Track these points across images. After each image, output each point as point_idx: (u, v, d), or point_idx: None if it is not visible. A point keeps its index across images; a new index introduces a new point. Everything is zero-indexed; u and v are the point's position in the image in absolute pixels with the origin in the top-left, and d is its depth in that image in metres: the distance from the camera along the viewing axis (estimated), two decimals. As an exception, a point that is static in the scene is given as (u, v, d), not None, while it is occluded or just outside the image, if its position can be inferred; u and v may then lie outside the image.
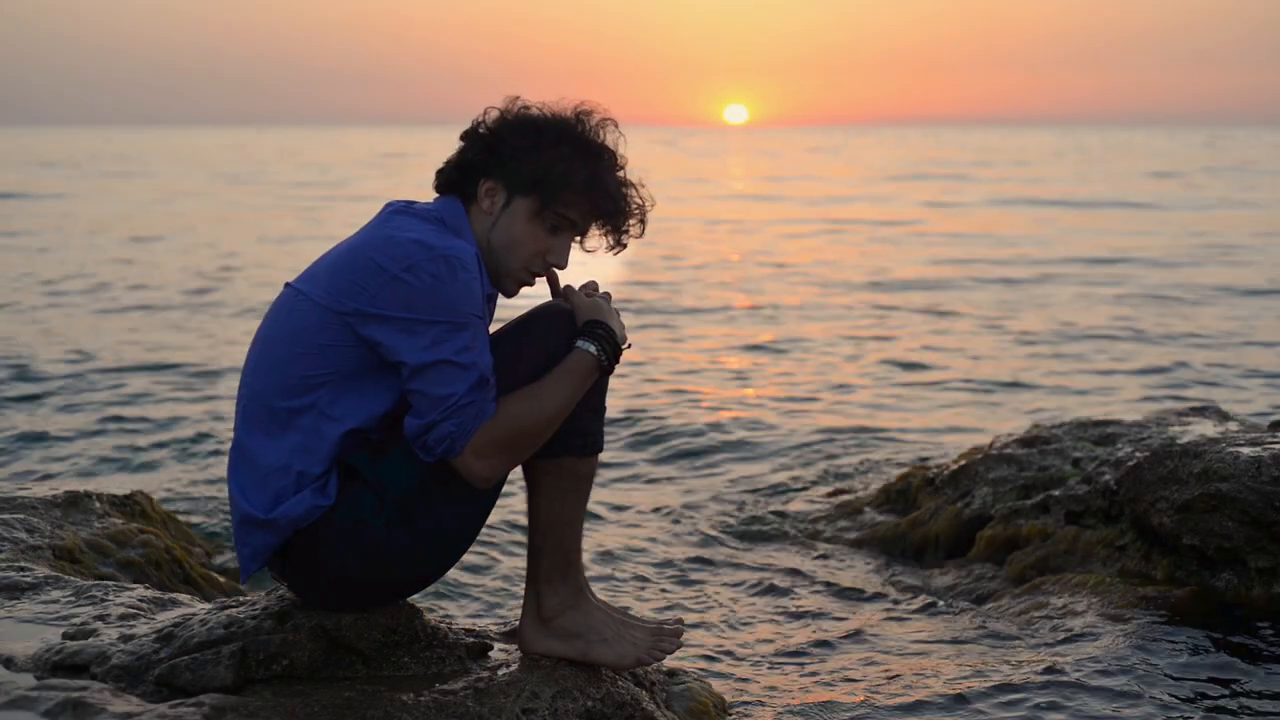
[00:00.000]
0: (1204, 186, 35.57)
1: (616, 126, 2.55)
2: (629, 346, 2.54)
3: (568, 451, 2.48)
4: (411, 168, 48.80)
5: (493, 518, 2.62)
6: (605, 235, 2.55)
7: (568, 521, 2.55)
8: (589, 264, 2.63)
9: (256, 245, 18.62)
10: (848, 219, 24.45)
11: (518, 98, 2.55)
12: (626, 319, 2.71)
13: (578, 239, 2.55)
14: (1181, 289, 13.66)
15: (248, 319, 11.16)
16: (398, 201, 2.52)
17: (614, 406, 6.97)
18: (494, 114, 2.54)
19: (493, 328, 2.54)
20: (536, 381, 2.41)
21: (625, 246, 2.57)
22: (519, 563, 4.68)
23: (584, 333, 2.45)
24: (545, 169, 2.46)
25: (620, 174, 2.53)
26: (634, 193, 2.54)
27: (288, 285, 2.49)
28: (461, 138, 2.55)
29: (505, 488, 2.54)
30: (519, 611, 2.78)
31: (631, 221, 2.55)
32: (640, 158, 2.57)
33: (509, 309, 2.75)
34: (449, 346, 2.31)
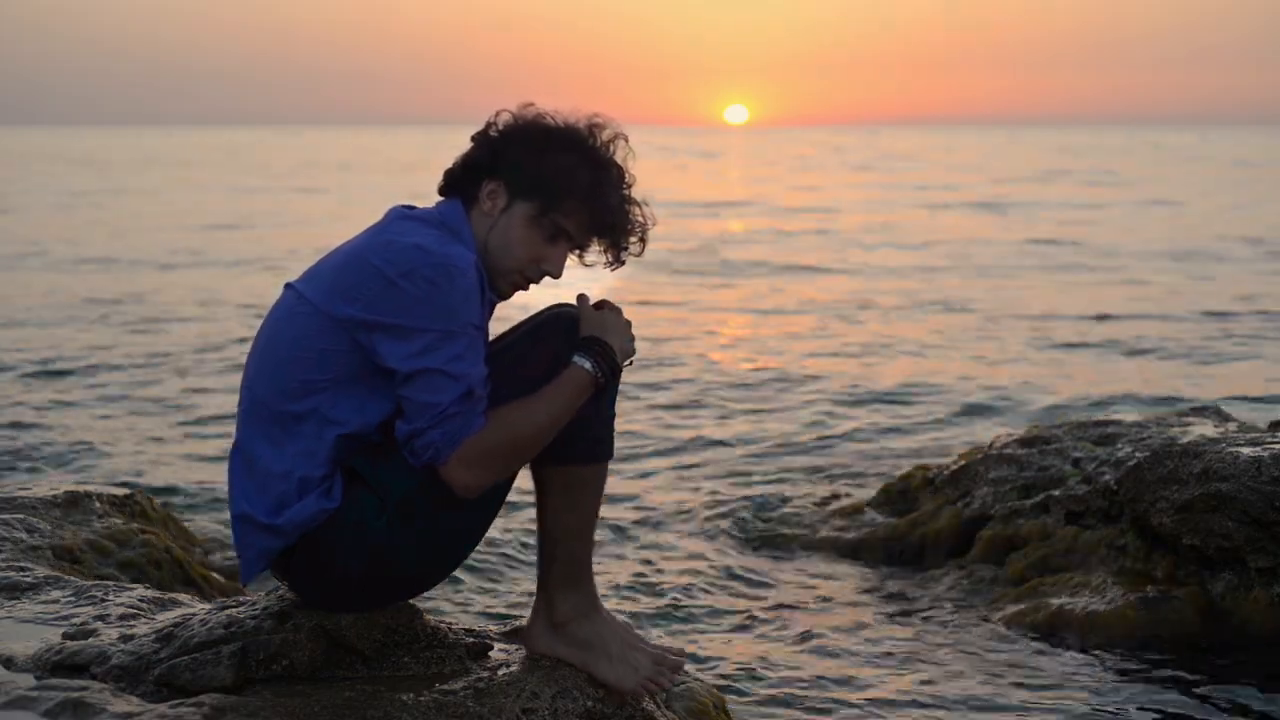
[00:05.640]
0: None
1: (628, 143, 2.53)
2: (630, 364, 2.52)
3: (575, 459, 2.47)
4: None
5: (496, 519, 2.60)
6: (604, 251, 2.53)
7: (577, 530, 2.53)
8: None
9: None
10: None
11: (532, 104, 2.53)
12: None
13: (577, 253, 2.54)
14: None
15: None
16: (401, 206, 2.51)
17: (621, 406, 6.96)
18: (506, 116, 2.52)
19: (493, 330, 2.54)
20: (531, 394, 2.39)
21: (624, 264, 2.55)
22: (521, 565, 4.68)
23: (582, 347, 2.44)
24: (549, 174, 2.45)
25: (625, 190, 2.51)
26: (636, 210, 2.52)
27: (288, 286, 2.49)
28: (472, 139, 2.55)
29: (508, 489, 2.53)
30: (519, 612, 2.79)
31: (631, 239, 2.53)
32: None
33: (511, 311, 2.75)
34: (440, 355, 2.30)
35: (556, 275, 2.52)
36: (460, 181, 2.52)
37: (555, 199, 2.45)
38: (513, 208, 2.47)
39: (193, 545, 4.56)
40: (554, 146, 2.46)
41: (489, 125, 2.52)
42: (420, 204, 2.56)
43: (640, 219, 2.53)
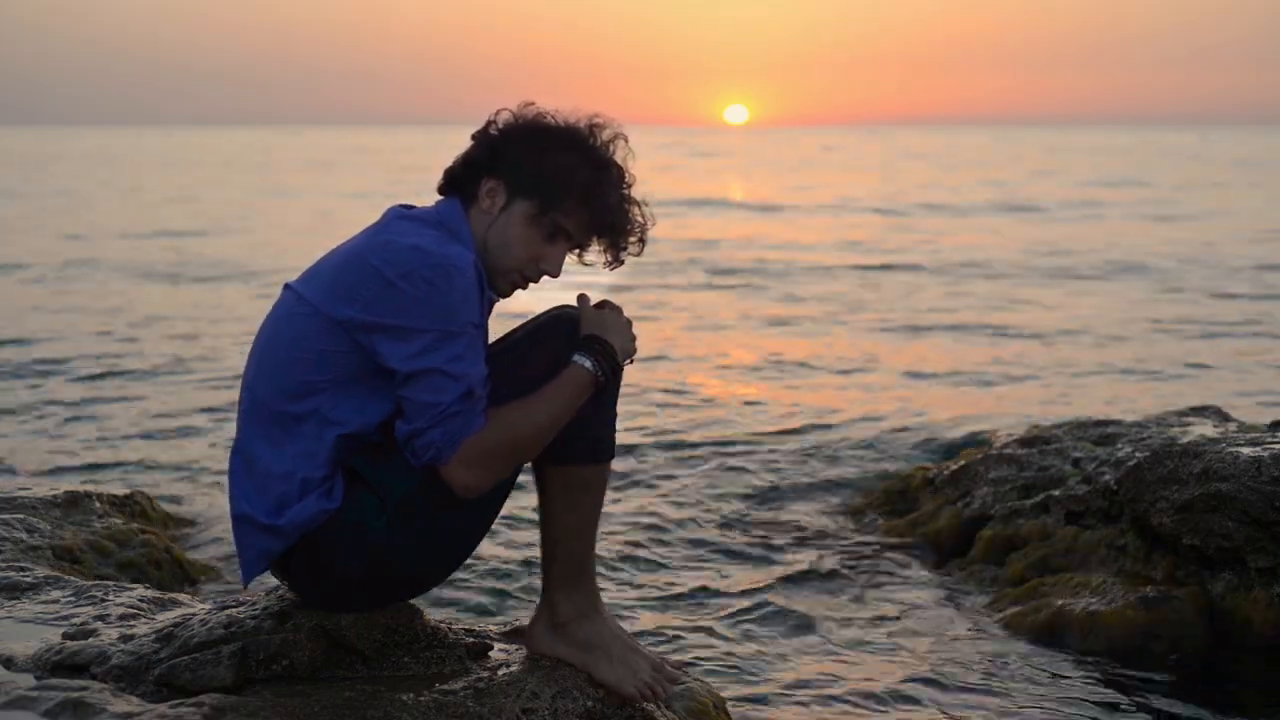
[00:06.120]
0: None
1: (628, 143, 2.53)
2: (631, 363, 2.53)
3: (576, 459, 2.47)
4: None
5: (498, 520, 2.60)
6: (603, 251, 2.54)
7: (578, 530, 2.53)
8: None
9: None
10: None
11: (532, 103, 2.54)
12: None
13: (576, 252, 2.54)
14: None
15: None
16: (399, 206, 2.51)
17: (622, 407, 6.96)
18: (506, 115, 2.52)
19: (493, 331, 2.54)
20: (531, 394, 2.39)
21: (623, 263, 2.56)
22: (520, 564, 4.67)
23: (582, 346, 2.44)
24: (549, 173, 2.45)
25: (624, 190, 2.51)
26: (635, 210, 2.52)
27: (287, 286, 2.49)
28: (472, 137, 2.55)
29: (509, 490, 2.52)
30: (519, 612, 2.79)
31: (630, 239, 2.54)
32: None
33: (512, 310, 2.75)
34: (440, 355, 2.30)
35: (555, 274, 2.53)
36: (460, 180, 2.52)
37: (555, 198, 2.45)
38: (512, 206, 2.47)
39: (191, 545, 4.57)
40: (554, 146, 2.47)
41: (489, 124, 2.52)
42: (419, 203, 2.57)
43: (639, 219, 2.53)
